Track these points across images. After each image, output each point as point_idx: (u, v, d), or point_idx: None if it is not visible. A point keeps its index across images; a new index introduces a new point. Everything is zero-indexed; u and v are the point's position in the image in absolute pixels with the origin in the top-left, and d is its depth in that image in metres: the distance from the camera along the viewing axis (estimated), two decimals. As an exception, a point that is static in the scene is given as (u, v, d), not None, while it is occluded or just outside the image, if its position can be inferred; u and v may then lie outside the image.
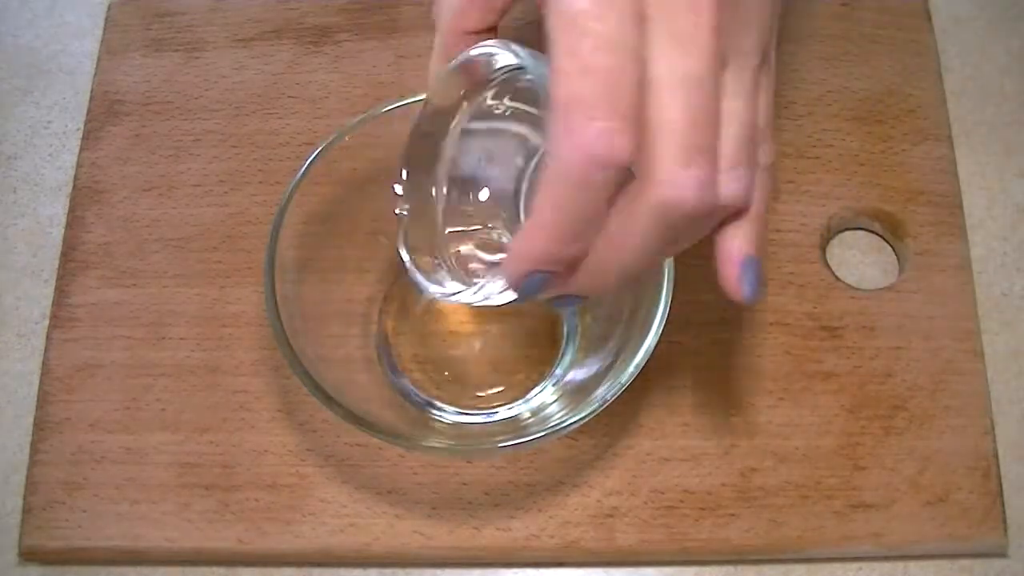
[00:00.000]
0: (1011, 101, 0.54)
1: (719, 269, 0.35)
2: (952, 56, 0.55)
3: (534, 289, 0.33)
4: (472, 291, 0.37)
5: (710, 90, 0.31)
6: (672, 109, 0.30)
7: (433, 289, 0.39)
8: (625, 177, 0.31)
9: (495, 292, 0.36)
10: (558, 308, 0.35)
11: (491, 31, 0.38)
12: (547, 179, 0.31)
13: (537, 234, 0.32)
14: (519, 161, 0.37)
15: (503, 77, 0.38)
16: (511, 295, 0.35)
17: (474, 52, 0.37)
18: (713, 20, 0.30)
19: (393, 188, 0.40)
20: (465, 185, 0.39)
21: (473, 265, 0.39)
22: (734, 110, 0.32)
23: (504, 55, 0.36)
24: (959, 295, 0.49)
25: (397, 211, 0.41)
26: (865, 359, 0.47)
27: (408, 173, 0.40)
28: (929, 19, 0.54)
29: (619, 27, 0.30)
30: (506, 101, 0.38)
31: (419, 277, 0.40)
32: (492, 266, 0.38)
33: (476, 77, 0.38)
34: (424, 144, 0.40)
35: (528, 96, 0.37)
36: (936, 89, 0.53)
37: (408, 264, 0.40)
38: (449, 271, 0.40)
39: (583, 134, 0.29)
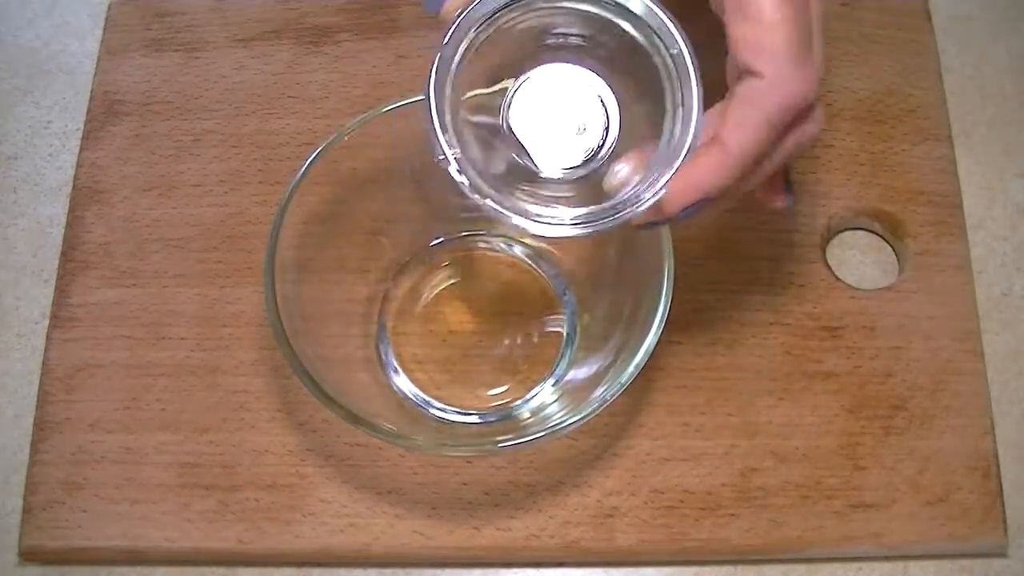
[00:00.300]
0: (1011, 101, 0.54)
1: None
2: (952, 56, 0.55)
3: (686, 215, 0.36)
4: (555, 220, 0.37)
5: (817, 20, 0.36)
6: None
7: (517, 220, 0.37)
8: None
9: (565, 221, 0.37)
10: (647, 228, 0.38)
11: None
12: (743, 119, 0.35)
13: (719, 168, 0.35)
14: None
15: None
16: (582, 229, 0.37)
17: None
18: None
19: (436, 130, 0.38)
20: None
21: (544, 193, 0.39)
22: (817, 9, 0.36)
23: None
24: (959, 295, 0.49)
25: (445, 157, 0.38)
26: (865, 359, 0.47)
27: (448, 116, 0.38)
28: (929, 19, 0.54)
29: None
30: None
31: (499, 208, 0.38)
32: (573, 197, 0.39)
33: None
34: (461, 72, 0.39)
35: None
36: (936, 89, 0.53)
37: (481, 198, 0.38)
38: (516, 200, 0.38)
39: (794, 84, 0.34)
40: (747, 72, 0.35)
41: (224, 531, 0.45)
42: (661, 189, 0.36)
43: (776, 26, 0.34)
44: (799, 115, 0.35)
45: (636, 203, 0.37)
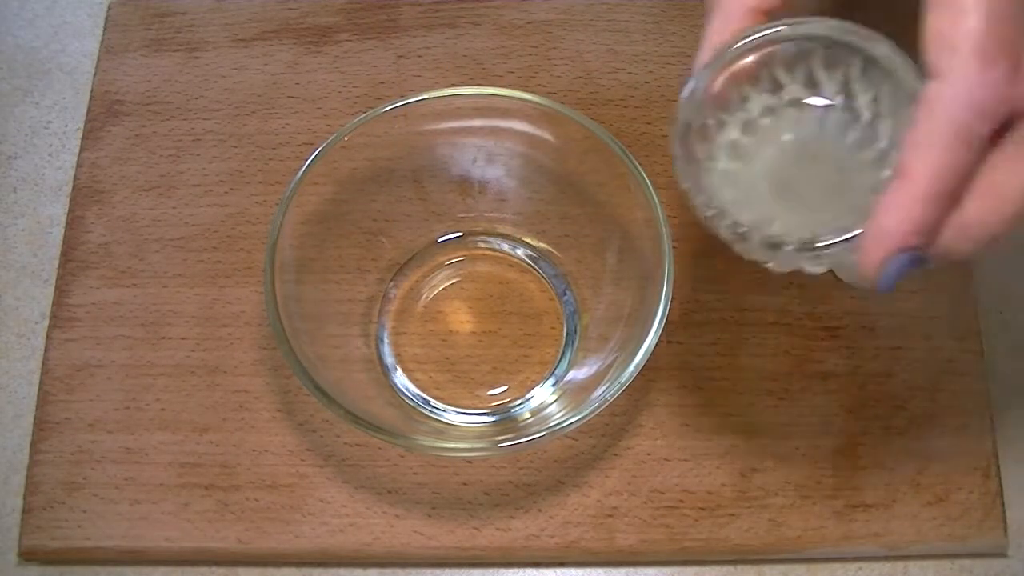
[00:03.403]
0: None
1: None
2: (952, 56, 0.55)
3: (904, 267, 0.30)
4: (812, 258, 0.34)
5: None
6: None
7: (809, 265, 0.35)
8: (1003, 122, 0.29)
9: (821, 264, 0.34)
10: (893, 281, 0.32)
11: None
12: (920, 137, 0.29)
13: (906, 201, 0.29)
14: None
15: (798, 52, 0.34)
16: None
17: (767, 31, 0.34)
18: None
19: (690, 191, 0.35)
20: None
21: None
22: None
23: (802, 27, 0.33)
24: (959, 295, 0.49)
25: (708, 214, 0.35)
26: (865, 359, 0.47)
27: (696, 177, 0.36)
28: (929, 19, 0.54)
29: None
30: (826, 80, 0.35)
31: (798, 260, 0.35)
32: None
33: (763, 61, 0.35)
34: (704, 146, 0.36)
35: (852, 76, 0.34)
36: (936, 89, 0.53)
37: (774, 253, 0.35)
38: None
39: (978, 82, 0.28)
40: (929, 75, 0.29)
41: (224, 531, 0.45)
42: (850, 247, 0.31)
43: (967, 14, 0.28)
44: (993, 123, 0.28)
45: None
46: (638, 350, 0.41)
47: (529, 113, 0.46)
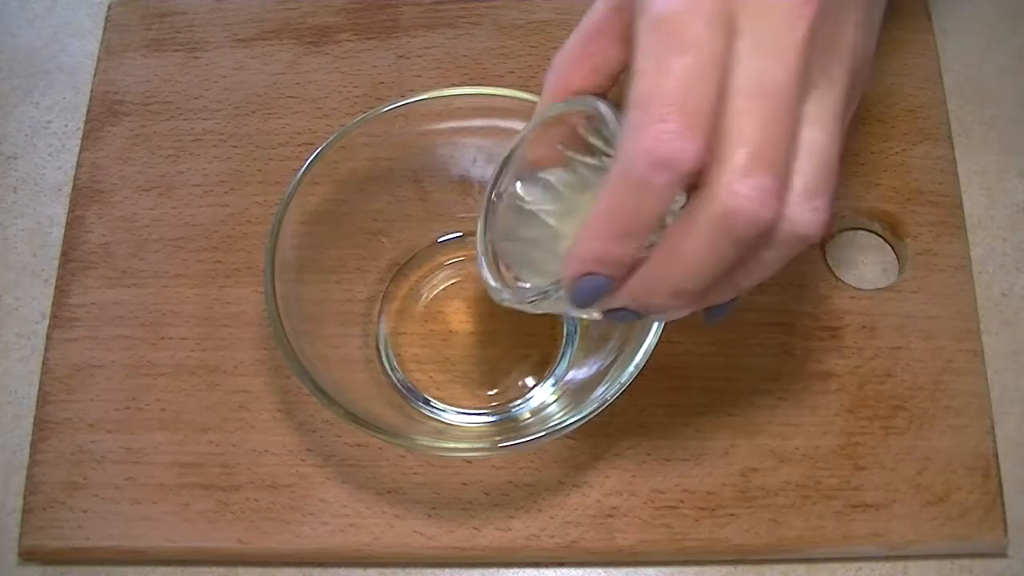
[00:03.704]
0: (1011, 101, 0.54)
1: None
2: (952, 56, 0.55)
3: (588, 293, 0.33)
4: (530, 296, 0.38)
5: (789, 105, 0.30)
6: (746, 118, 0.29)
7: (507, 296, 0.40)
8: (690, 185, 0.30)
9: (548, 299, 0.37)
10: (617, 321, 0.35)
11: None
12: (609, 177, 0.30)
13: (591, 233, 0.31)
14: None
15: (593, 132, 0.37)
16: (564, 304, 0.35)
17: (568, 106, 0.37)
18: (805, 38, 0.30)
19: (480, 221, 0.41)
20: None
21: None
22: (817, 139, 0.31)
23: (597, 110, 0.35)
24: (959, 295, 0.49)
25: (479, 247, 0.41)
26: (865, 359, 0.47)
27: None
28: (929, 19, 0.54)
29: (706, 32, 0.29)
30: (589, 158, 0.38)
31: (494, 284, 0.41)
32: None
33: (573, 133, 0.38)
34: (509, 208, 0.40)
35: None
36: (936, 89, 0.53)
37: (485, 273, 0.41)
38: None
39: (650, 134, 0.29)
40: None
41: (224, 531, 0.45)
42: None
43: (646, 76, 0.29)
44: (757, 233, 0.30)
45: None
46: (638, 350, 0.41)
47: (529, 113, 0.46)
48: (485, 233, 0.41)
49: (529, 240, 0.39)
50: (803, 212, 0.31)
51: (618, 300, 0.34)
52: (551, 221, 0.38)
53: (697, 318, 0.48)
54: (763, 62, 0.30)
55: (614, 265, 0.32)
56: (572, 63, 0.36)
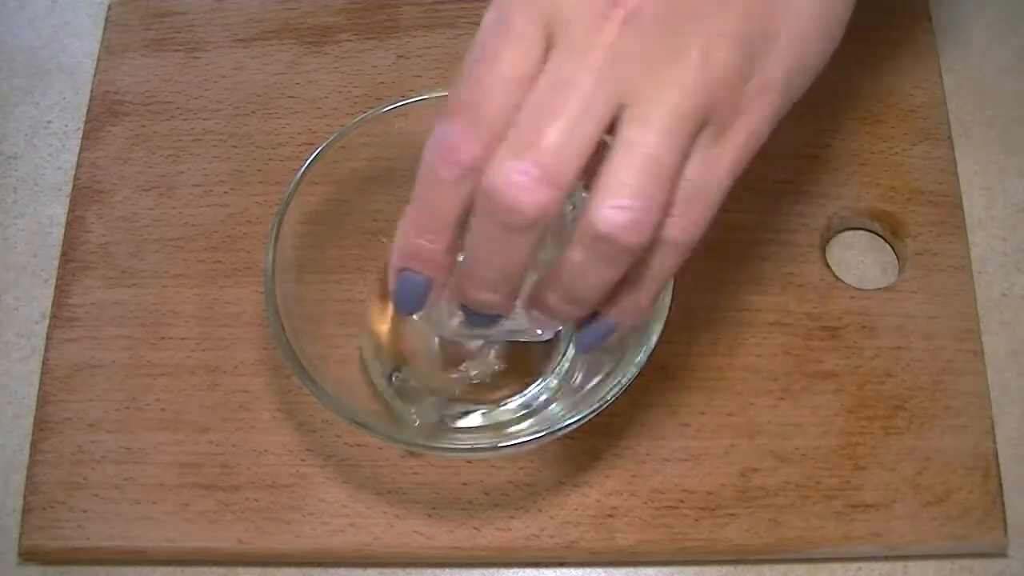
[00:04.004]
0: (1011, 101, 0.54)
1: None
2: (952, 56, 0.55)
3: (408, 290, 0.35)
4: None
5: (577, 95, 0.30)
6: (524, 115, 0.31)
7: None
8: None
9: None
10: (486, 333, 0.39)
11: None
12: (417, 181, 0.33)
13: (401, 228, 0.34)
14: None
15: None
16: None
17: None
18: (611, 40, 0.30)
19: None
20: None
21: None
22: (625, 138, 0.31)
23: None
24: (959, 295, 0.49)
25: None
26: (865, 359, 0.47)
27: None
28: (929, 19, 0.54)
29: (517, 48, 0.31)
30: None
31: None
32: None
33: None
34: None
35: None
36: (936, 89, 0.53)
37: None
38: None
39: (436, 135, 0.32)
40: None
41: (224, 531, 0.45)
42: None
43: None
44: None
45: None
46: (638, 350, 0.41)
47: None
48: None
49: None
50: (598, 212, 0.31)
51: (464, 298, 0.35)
52: None
53: (698, 318, 0.48)
54: (568, 62, 0.31)
55: (426, 262, 0.34)
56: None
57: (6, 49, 0.58)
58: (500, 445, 0.41)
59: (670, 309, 0.41)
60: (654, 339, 0.41)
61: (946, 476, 0.45)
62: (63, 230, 0.52)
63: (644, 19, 0.30)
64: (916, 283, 0.49)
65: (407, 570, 0.46)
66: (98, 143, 0.53)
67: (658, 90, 0.31)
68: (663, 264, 0.33)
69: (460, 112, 0.31)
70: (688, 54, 0.31)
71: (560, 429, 0.40)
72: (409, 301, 0.36)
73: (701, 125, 0.31)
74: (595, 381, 0.43)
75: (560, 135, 0.30)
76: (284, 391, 0.47)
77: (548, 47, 0.31)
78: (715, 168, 0.32)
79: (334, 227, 0.47)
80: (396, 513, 0.45)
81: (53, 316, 0.50)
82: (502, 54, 0.31)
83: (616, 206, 0.30)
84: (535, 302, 0.36)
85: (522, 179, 0.30)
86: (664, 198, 0.31)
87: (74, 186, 0.52)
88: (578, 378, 0.46)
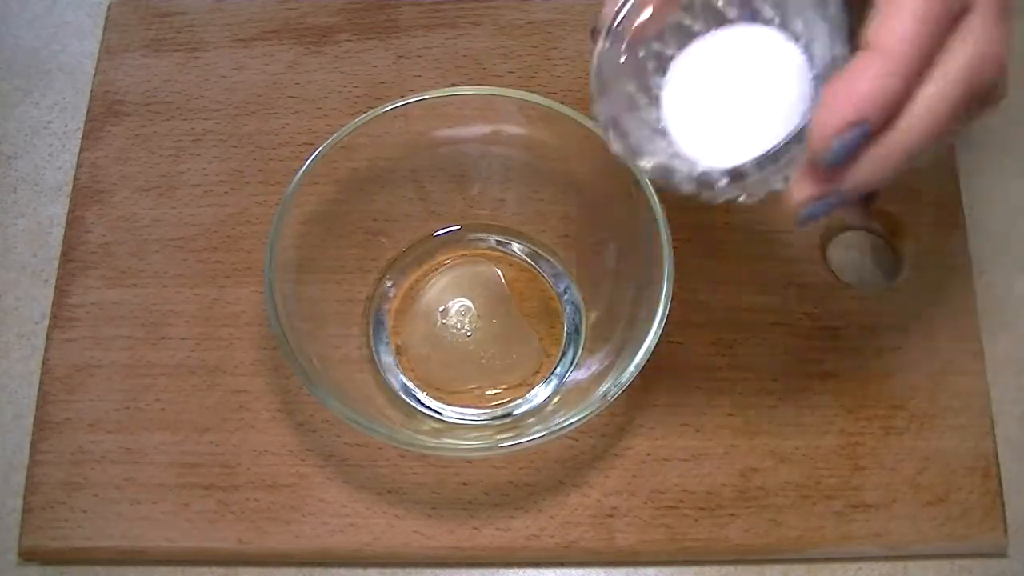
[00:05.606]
0: (1011, 101, 0.54)
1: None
2: (952, 56, 0.55)
3: (848, 146, 0.31)
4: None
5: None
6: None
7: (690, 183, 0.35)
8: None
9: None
10: (810, 218, 0.33)
11: None
12: (892, 11, 0.30)
13: (876, 73, 0.30)
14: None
15: None
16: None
17: None
18: None
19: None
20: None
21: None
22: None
23: None
24: (959, 295, 0.49)
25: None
26: (865, 359, 0.47)
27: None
28: (929, 19, 0.54)
29: None
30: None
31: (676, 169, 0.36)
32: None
33: None
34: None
35: None
36: (936, 89, 0.53)
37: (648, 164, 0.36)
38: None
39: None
40: None
41: (224, 531, 0.45)
42: (807, 114, 0.31)
43: None
44: (954, 20, 0.30)
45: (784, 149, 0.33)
46: (638, 350, 0.41)
47: (529, 113, 0.46)
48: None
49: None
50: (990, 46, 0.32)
51: (860, 170, 0.32)
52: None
53: (697, 318, 0.48)
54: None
55: (890, 107, 0.31)
56: None
57: (6, 49, 0.58)
58: (500, 445, 0.41)
59: (670, 309, 0.41)
60: (654, 339, 0.41)
61: (946, 476, 0.45)
62: (63, 230, 0.52)
63: None
64: (916, 283, 0.49)
65: (407, 570, 0.46)
66: (98, 143, 0.53)
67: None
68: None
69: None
70: None
71: (560, 429, 0.40)
72: (842, 158, 0.31)
73: None
74: (595, 381, 0.43)
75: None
76: (284, 391, 0.47)
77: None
78: None
79: (334, 227, 0.47)
80: (396, 513, 0.45)
81: (53, 316, 0.50)
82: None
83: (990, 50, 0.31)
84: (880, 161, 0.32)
85: (1004, 48, 0.31)
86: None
87: (74, 186, 0.52)
88: (578, 378, 0.46)
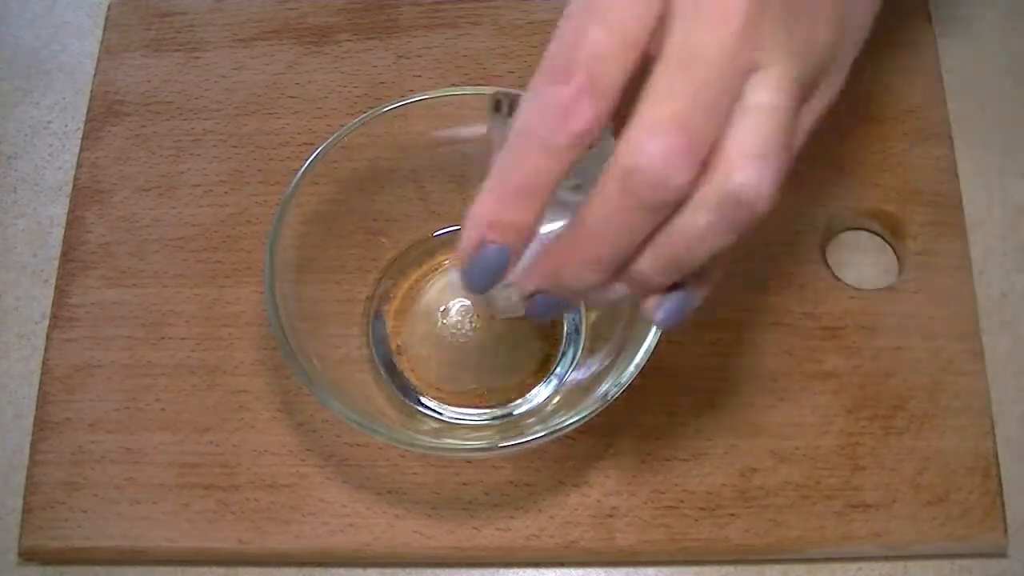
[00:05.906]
0: (1011, 101, 0.54)
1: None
2: (952, 56, 0.55)
3: (490, 263, 0.32)
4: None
5: (722, 72, 0.29)
6: (666, 80, 0.29)
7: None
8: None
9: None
10: (540, 314, 0.35)
11: None
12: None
13: (485, 196, 0.32)
14: None
15: None
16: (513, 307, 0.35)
17: None
18: (748, 9, 0.29)
19: None
20: None
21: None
22: (762, 104, 0.30)
23: None
24: (959, 295, 0.49)
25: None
26: (865, 359, 0.47)
27: None
28: (929, 19, 0.54)
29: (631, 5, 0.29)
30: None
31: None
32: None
33: None
34: None
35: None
36: (936, 89, 0.53)
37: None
38: None
39: (543, 96, 0.29)
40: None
41: (224, 531, 0.45)
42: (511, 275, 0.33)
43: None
44: (664, 197, 0.29)
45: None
46: (638, 350, 0.41)
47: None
48: None
49: None
50: (736, 173, 0.30)
51: (532, 279, 0.33)
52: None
53: (697, 318, 0.48)
54: (698, 31, 0.29)
55: (515, 233, 0.32)
56: None
57: (6, 49, 0.58)
58: (500, 445, 0.41)
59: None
60: (654, 339, 0.41)
61: (946, 476, 0.45)
62: (63, 230, 0.52)
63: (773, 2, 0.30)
64: (916, 283, 0.49)
65: (407, 570, 0.46)
66: (98, 143, 0.53)
67: (787, 62, 0.30)
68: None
69: (556, 68, 0.29)
70: (803, 32, 0.31)
71: (560, 429, 0.40)
72: (485, 277, 0.33)
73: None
74: (595, 381, 0.43)
75: (708, 107, 0.29)
76: (284, 391, 0.47)
77: (665, 13, 0.29)
78: (801, 134, 0.33)
79: (334, 227, 0.47)
80: (396, 513, 0.45)
81: (53, 316, 0.50)
82: (615, 16, 0.29)
83: (756, 168, 0.30)
84: (552, 275, 0.33)
85: (663, 152, 0.28)
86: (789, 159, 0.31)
87: (74, 186, 0.52)
88: (578, 378, 0.46)
